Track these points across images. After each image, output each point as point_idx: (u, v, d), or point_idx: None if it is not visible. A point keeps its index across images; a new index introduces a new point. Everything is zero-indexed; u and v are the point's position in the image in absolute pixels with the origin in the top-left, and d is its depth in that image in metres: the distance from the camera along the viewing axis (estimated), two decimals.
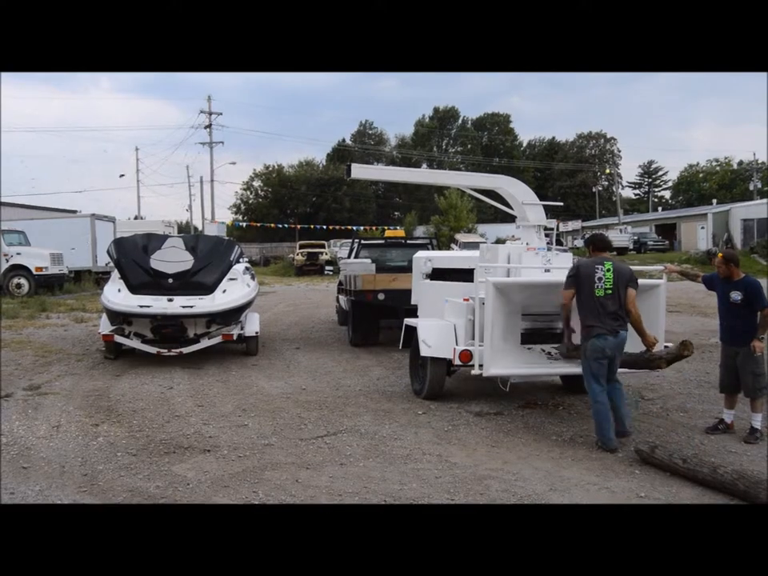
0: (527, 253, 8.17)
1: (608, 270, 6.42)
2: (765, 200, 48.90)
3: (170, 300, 10.39)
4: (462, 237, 41.50)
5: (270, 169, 76.56)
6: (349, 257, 14.97)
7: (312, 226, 57.54)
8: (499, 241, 30.96)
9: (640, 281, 7.88)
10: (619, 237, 49.46)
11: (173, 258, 10.97)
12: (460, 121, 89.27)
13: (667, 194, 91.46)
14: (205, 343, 10.70)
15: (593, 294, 6.37)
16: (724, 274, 6.77)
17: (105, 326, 10.71)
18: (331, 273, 37.13)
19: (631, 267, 6.76)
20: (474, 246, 25.26)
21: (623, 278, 6.43)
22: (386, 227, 53.86)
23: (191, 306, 10.33)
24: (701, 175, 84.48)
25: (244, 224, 66.31)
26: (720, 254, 6.96)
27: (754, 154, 72.78)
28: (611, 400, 6.44)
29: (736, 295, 6.64)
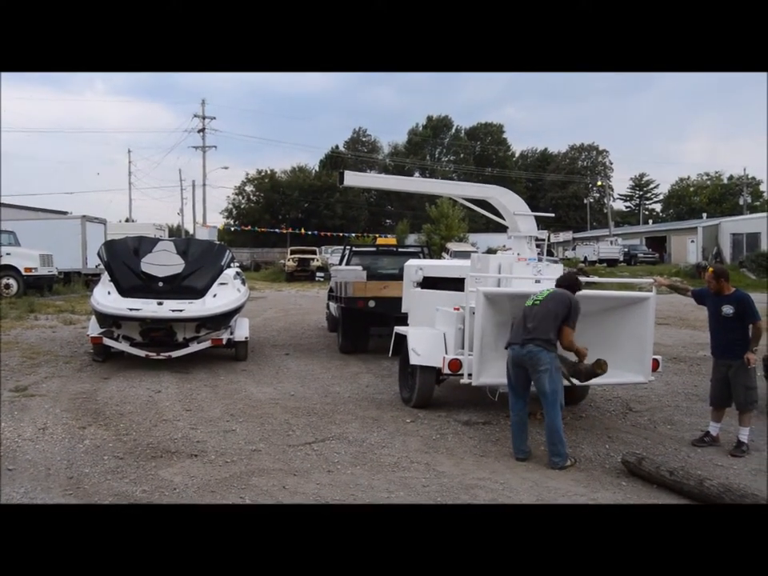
0: (518, 263, 8.20)
1: (548, 291, 6.56)
2: (754, 215, 49.25)
3: (160, 303, 10.36)
4: (453, 246, 41.59)
5: (263, 174, 76.50)
6: (340, 264, 14.97)
7: (303, 232, 57.50)
8: (490, 250, 31.07)
9: (629, 294, 7.92)
10: (609, 249, 49.75)
11: (163, 262, 10.95)
12: (453, 130, 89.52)
13: (658, 207, 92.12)
14: (194, 347, 10.66)
15: (524, 305, 6.55)
16: (714, 288, 6.82)
17: (94, 329, 10.67)
18: (322, 279, 37.04)
19: (579, 300, 6.50)
20: (465, 255, 25.31)
21: (557, 304, 6.35)
22: (377, 235, 53.93)
23: (181, 310, 10.30)
24: (691, 189, 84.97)
25: (235, 228, 66.19)
26: (710, 269, 7.01)
27: (744, 169, 73.53)
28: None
29: (728, 309, 6.69)
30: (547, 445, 6.32)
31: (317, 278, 38.49)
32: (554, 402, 6.23)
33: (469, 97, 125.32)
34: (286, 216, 73.15)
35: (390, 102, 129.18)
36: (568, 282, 6.75)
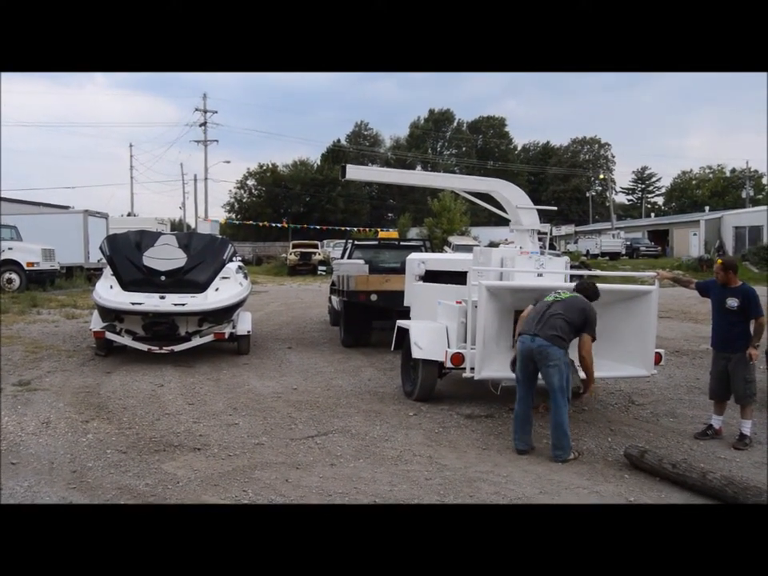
0: (520, 257, 8.19)
1: (569, 294, 6.54)
2: (757, 208, 49.17)
3: (162, 297, 10.37)
4: (454, 239, 41.58)
5: (264, 168, 76.38)
6: (342, 257, 14.96)
7: (305, 226, 57.48)
8: (492, 244, 31.07)
9: (632, 287, 7.91)
10: (612, 242, 49.74)
11: (166, 256, 10.95)
12: (455, 123, 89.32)
13: (660, 201, 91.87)
14: (196, 341, 10.68)
15: (543, 299, 6.54)
16: (722, 280, 6.81)
17: (96, 323, 10.67)
18: (324, 273, 37.02)
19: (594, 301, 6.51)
20: (467, 248, 25.29)
21: (573, 310, 6.33)
22: (379, 228, 53.89)
23: (183, 304, 10.31)
24: (694, 182, 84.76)
25: (237, 222, 66.17)
26: (720, 261, 6.99)
27: (747, 162, 73.32)
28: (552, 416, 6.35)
29: (733, 302, 6.68)
30: (551, 437, 6.31)
31: (319, 272, 38.48)
32: (561, 396, 6.20)
33: (471, 91, 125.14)
34: (287, 210, 73.15)
35: (391, 96, 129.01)
36: (586, 291, 6.69)
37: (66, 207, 37.50)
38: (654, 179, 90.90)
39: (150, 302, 10.26)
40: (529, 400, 6.48)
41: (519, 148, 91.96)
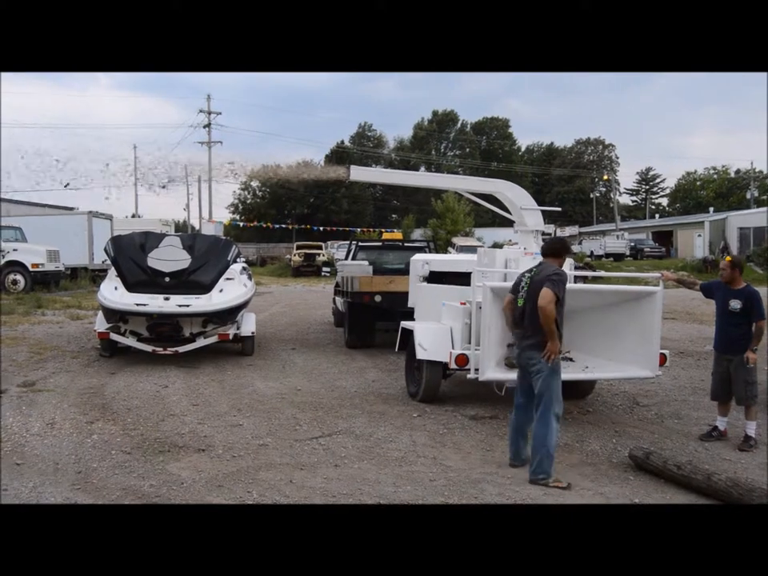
0: (525, 257, 8.19)
1: (530, 278, 5.83)
2: (761, 209, 49.06)
3: (167, 299, 10.38)
4: (459, 240, 41.57)
5: (268, 169, 76.26)
6: (346, 258, 14.97)
7: (309, 227, 57.48)
8: (496, 245, 31.05)
9: (636, 288, 7.89)
10: (616, 243, 49.71)
11: (170, 257, 10.97)
12: (459, 124, 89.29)
13: (664, 201, 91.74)
14: (201, 342, 10.68)
15: (517, 302, 5.94)
16: (728, 278, 6.78)
17: (101, 324, 10.69)
18: (328, 274, 37.05)
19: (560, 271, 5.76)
20: (471, 249, 25.29)
21: (538, 282, 5.65)
22: (383, 229, 53.86)
23: (188, 305, 10.32)
24: (698, 183, 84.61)
25: (241, 224, 66.18)
26: (728, 258, 6.97)
27: (752, 163, 73.12)
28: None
29: (735, 303, 6.66)
30: (531, 454, 5.74)
31: (323, 273, 38.51)
32: (545, 406, 5.62)
33: (474, 91, 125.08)
34: (291, 211, 73.13)
35: (395, 97, 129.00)
36: (551, 250, 6.03)
37: (71, 208, 37.58)
38: (658, 180, 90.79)
39: (155, 303, 10.28)
40: (527, 410, 5.98)
41: (523, 149, 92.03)
